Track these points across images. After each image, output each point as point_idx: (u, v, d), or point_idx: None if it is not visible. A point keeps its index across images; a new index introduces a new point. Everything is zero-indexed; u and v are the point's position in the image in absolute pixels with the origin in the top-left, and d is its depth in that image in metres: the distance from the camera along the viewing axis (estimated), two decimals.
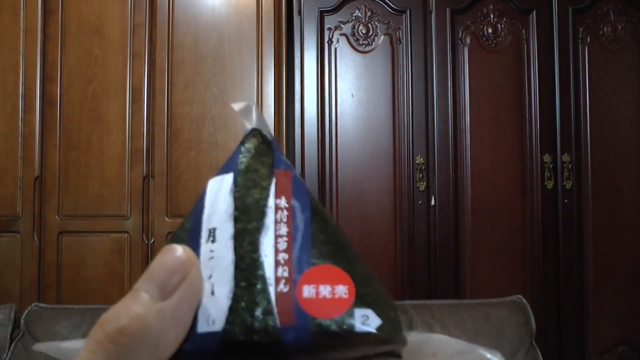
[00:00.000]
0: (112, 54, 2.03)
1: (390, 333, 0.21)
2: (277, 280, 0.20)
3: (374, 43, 2.09)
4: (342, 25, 2.09)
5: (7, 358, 1.34)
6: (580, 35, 2.10)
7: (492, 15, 2.09)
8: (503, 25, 2.09)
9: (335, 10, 2.09)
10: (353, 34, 2.09)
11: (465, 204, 2.06)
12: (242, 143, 0.25)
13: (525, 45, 2.09)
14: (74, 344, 0.22)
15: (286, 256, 0.21)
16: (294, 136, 2.09)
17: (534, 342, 1.38)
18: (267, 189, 0.23)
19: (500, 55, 2.08)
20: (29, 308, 1.40)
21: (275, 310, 0.20)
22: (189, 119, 2.02)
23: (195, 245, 0.21)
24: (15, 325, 1.41)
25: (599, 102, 2.09)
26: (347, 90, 2.08)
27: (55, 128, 2.03)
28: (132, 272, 1.99)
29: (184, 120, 2.02)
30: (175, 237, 0.23)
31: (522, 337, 1.37)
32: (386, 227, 2.05)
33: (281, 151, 0.24)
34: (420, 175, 2.04)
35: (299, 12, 2.09)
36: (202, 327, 0.20)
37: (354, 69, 2.08)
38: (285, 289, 0.20)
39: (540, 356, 1.37)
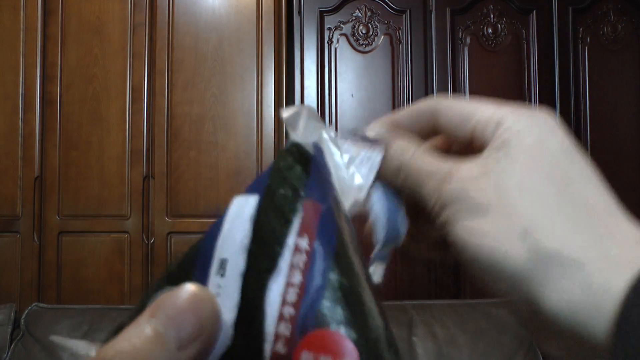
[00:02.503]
0: (112, 54, 2.03)
1: None
2: (277, 337, 0.18)
3: (374, 43, 2.09)
4: (342, 25, 2.09)
5: (7, 358, 1.34)
6: (580, 35, 2.10)
7: (492, 15, 2.09)
8: (503, 25, 2.09)
9: (335, 10, 2.09)
10: (353, 34, 2.09)
11: None
12: (278, 157, 0.22)
13: (525, 45, 2.09)
14: (72, 344, 0.21)
15: (292, 311, 0.18)
16: None
17: (534, 342, 1.38)
18: (290, 223, 0.20)
19: (500, 55, 2.08)
20: (29, 308, 1.41)
21: None
22: (189, 119, 2.02)
23: (204, 276, 0.19)
24: (15, 325, 1.41)
25: (599, 102, 2.09)
26: (347, 90, 2.08)
27: (55, 128, 2.03)
28: (132, 272, 1.99)
29: (184, 120, 2.02)
30: (187, 259, 0.21)
31: (522, 337, 1.37)
32: None
33: (323, 172, 0.21)
34: None
35: (299, 12, 2.09)
36: None
37: (354, 69, 2.08)
38: (283, 350, 0.18)
39: (540, 356, 1.37)
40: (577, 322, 0.20)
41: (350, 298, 0.19)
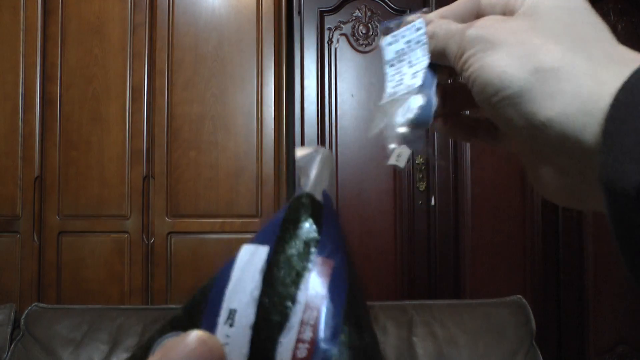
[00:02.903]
0: (112, 54, 2.03)
1: None
2: None
3: (374, 43, 2.09)
4: (342, 25, 2.09)
5: (7, 358, 1.34)
6: None
7: None
8: None
9: (335, 10, 2.10)
10: (353, 34, 2.09)
11: (465, 204, 2.06)
12: (289, 208, 0.22)
13: None
14: None
15: None
16: (294, 136, 2.09)
17: (534, 342, 1.38)
18: (301, 280, 0.20)
19: None
20: (29, 308, 1.40)
21: None
22: (189, 119, 2.02)
23: (212, 324, 0.20)
24: (15, 325, 1.41)
25: None
26: (347, 90, 2.08)
27: (55, 128, 2.03)
28: (132, 272, 1.99)
29: (184, 120, 2.02)
30: (193, 306, 0.21)
31: (522, 337, 1.37)
32: (386, 227, 2.05)
33: (333, 224, 0.22)
34: (420, 175, 2.04)
35: (299, 12, 2.09)
36: None
37: (354, 69, 2.08)
38: None
39: (540, 356, 1.37)
40: (570, 128, 0.22)
41: (357, 353, 0.19)
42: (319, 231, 0.21)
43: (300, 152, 0.23)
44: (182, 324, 0.20)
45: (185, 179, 2.02)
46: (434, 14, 0.30)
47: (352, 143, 2.06)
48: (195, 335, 0.18)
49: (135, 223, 2.01)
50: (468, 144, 2.06)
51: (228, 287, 0.20)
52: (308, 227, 0.21)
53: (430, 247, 2.05)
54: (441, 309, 1.42)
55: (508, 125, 0.25)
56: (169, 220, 2.01)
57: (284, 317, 0.19)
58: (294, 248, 0.21)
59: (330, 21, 2.10)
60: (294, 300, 0.20)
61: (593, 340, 2.05)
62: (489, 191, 2.06)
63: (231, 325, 0.19)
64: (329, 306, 0.20)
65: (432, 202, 2.05)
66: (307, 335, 0.19)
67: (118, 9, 2.04)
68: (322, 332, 0.19)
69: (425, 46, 0.29)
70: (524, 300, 1.43)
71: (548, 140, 0.23)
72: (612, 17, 2.10)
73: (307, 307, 0.20)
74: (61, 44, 2.04)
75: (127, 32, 2.03)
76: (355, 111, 2.07)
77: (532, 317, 1.40)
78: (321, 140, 2.06)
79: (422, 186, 2.04)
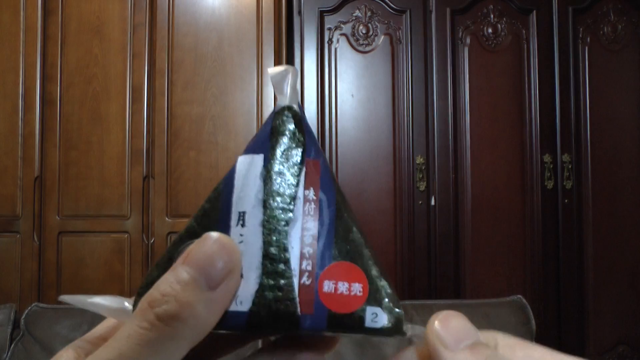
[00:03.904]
0: (112, 54, 2.03)
1: (393, 329, 0.23)
2: (301, 272, 0.22)
3: (374, 43, 2.09)
4: (342, 25, 2.09)
5: (7, 358, 1.34)
6: (580, 35, 2.10)
7: (492, 15, 2.09)
8: (503, 25, 2.09)
9: (335, 10, 2.09)
10: (353, 34, 2.09)
11: (465, 204, 2.06)
12: (274, 120, 0.24)
13: (525, 45, 2.09)
14: (102, 300, 0.23)
15: (311, 250, 0.22)
16: None
17: (534, 342, 1.38)
18: (298, 179, 0.23)
19: (500, 55, 2.08)
20: (29, 308, 1.40)
21: (297, 299, 0.22)
22: (189, 119, 2.02)
23: (225, 227, 0.23)
24: (15, 325, 1.41)
25: (599, 102, 2.09)
26: (347, 90, 2.08)
27: (55, 128, 2.02)
28: (132, 272, 1.99)
29: (184, 120, 2.02)
30: (204, 215, 0.24)
31: (522, 337, 1.37)
32: (386, 227, 2.05)
33: (311, 131, 0.25)
34: (420, 175, 2.04)
35: (299, 12, 2.09)
36: (231, 307, 0.22)
37: (354, 69, 2.08)
38: (308, 282, 0.22)
39: None
40: None
41: (351, 234, 0.23)
42: (303, 137, 0.24)
43: (272, 70, 0.25)
44: (197, 232, 0.22)
45: (185, 179, 2.02)
46: None
47: (352, 143, 2.06)
48: (211, 236, 0.21)
49: (135, 223, 2.01)
50: (468, 144, 2.06)
51: (234, 194, 0.23)
52: (294, 134, 0.24)
53: (430, 247, 2.05)
54: (441, 309, 1.42)
55: None
56: (169, 220, 2.01)
57: (289, 212, 0.23)
58: (286, 153, 0.24)
59: (330, 21, 2.10)
60: (294, 197, 0.23)
61: (593, 340, 2.05)
62: (489, 191, 2.06)
63: (243, 226, 0.22)
64: (322, 198, 0.23)
65: (432, 202, 2.05)
66: (310, 224, 0.23)
67: (118, 9, 2.03)
68: (322, 220, 0.23)
69: None
70: (524, 300, 1.43)
71: None
72: (612, 17, 2.10)
73: (306, 200, 0.23)
74: (61, 44, 2.03)
75: (127, 32, 2.03)
76: (355, 111, 2.07)
77: (532, 317, 1.40)
78: (321, 140, 2.06)
79: (422, 186, 2.04)
